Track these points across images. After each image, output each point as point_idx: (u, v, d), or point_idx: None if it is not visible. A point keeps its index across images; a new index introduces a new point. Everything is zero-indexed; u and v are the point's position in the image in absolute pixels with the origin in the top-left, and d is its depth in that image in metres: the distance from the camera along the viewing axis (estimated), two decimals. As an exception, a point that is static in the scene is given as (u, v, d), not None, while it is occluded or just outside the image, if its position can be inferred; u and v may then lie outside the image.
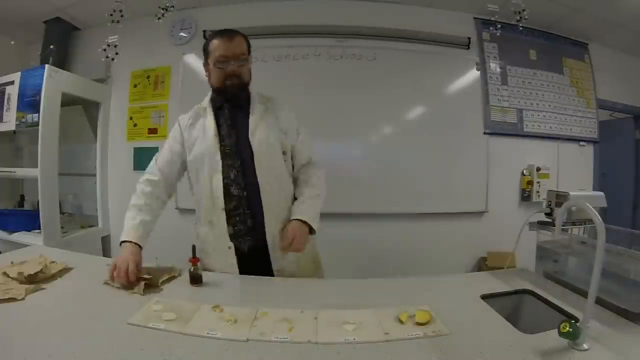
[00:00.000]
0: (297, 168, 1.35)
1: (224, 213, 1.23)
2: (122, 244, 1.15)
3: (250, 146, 1.22)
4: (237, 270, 1.24)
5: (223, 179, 1.22)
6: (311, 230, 1.24)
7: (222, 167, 1.22)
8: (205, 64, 1.27)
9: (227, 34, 1.22)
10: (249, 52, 1.25)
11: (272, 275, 1.25)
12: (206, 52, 1.25)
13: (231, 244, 1.24)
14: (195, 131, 1.29)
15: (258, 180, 1.22)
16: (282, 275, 1.25)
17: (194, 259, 1.09)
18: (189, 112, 1.35)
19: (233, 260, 1.24)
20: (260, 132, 1.24)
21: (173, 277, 1.13)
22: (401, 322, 0.86)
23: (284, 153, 1.29)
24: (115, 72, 2.85)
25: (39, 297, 0.95)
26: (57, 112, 2.38)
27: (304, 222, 1.21)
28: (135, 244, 1.14)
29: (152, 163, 1.35)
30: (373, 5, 2.68)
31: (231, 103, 1.27)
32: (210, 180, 1.23)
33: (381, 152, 2.64)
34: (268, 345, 0.75)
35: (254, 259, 1.25)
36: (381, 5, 2.68)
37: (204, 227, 1.30)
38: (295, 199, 1.32)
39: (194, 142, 1.28)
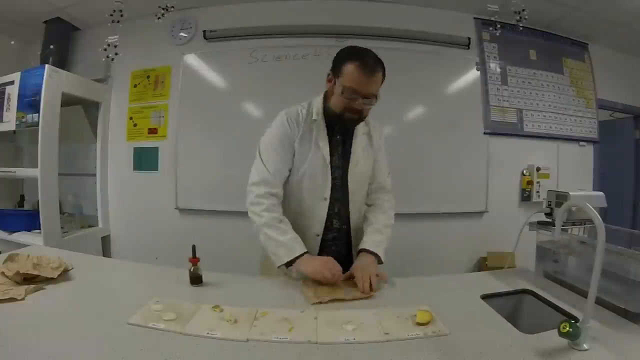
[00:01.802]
0: (375, 183, 1.35)
1: (319, 240, 1.24)
2: (298, 259, 1.09)
3: (347, 180, 1.24)
4: None
5: (328, 208, 1.23)
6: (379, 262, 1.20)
7: (330, 198, 1.22)
8: (331, 76, 1.17)
9: (370, 66, 1.08)
10: (382, 82, 1.15)
11: None
12: (338, 68, 1.13)
13: None
14: (306, 144, 1.20)
15: (350, 214, 1.28)
16: None
17: (194, 259, 1.09)
18: (297, 113, 1.23)
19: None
20: (360, 167, 1.25)
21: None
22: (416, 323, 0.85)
23: (370, 183, 1.33)
24: (115, 72, 2.85)
25: (39, 297, 0.95)
26: (57, 112, 2.38)
27: (374, 255, 1.18)
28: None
29: (264, 172, 1.18)
30: (373, 5, 2.68)
31: (342, 127, 1.22)
32: (313, 206, 1.22)
33: (381, 152, 2.64)
34: (268, 345, 0.75)
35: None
36: (381, 5, 2.68)
37: None
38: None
39: (304, 158, 1.20)
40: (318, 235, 1.24)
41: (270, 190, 1.16)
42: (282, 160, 1.19)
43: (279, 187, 1.19)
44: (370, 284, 1.05)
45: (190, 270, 1.09)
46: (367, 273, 1.07)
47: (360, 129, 1.26)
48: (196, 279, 1.09)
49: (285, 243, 1.10)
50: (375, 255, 1.17)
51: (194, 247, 1.11)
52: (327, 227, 1.24)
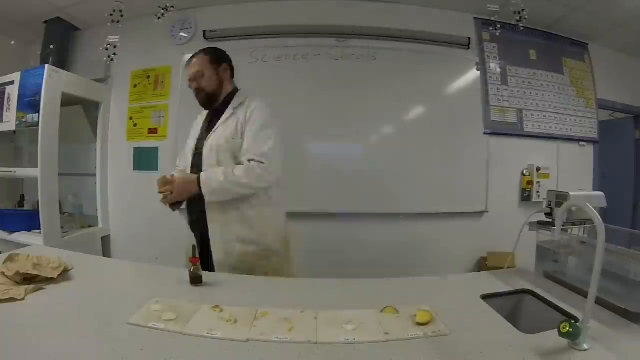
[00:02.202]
0: (241, 153, 1.39)
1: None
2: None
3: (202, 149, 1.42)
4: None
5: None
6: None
7: (192, 166, 1.43)
8: None
9: (189, 59, 1.47)
10: (216, 61, 1.45)
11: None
12: None
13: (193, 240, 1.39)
14: (192, 128, 1.57)
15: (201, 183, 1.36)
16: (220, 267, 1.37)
17: (194, 259, 1.09)
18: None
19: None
20: (213, 139, 1.40)
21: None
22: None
23: (235, 158, 1.38)
24: (115, 72, 2.84)
25: (39, 297, 0.95)
26: (57, 112, 2.37)
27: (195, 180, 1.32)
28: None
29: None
30: (373, 5, 2.68)
31: (214, 110, 1.48)
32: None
33: (381, 152, 2.64)
34: (268, 345, 0.75)
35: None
36: (381, 5, 2.68)
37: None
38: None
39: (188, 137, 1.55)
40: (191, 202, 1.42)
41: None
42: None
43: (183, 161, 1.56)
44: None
45: (190, 270, 1.09)
46: (172, 187, 1.33)
47: (230, 108, 1.44)
48: (196, 279, 1.09)
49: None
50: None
51: (194, 247, 1.12)
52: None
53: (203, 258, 1.30)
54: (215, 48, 1.52)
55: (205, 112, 1.54)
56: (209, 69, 1.44)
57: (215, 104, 1.47)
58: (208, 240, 1.37)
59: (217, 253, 1.36)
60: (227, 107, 1.44)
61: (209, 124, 1.47)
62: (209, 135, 1.42)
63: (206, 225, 1.37)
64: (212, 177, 1.31)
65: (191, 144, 1.49)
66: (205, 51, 1.47)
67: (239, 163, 1.36)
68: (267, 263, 1.38)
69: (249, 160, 1.33)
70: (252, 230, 1.38)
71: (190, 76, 1.44)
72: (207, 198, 1.31)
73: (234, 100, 1.46)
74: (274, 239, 1.43)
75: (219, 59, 1.47)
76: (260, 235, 1.39)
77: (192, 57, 1.46)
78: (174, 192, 1.32)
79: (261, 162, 1.32)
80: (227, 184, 1.30)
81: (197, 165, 1.41)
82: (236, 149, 1.37)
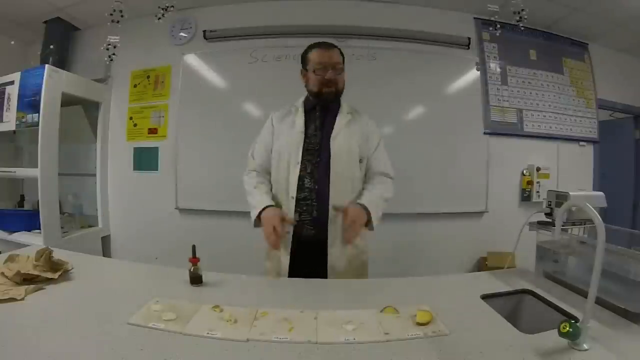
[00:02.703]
0: (372, 173, 1.41)
1: (294, 201, 1.30)
2: (261, 213, 1.25)
3: (329, 148, 1.31)
4: (288, 255, 1.31)
5: (300, 170, 1.31)
6: (368, 223, 1.27)
7: (302, 160, 1.31)
8: (303, 71, 1.39)
9: (325, 45, 1.35)
10: (344, 63, 1.36)
11: (324, 270, 1.30)
12: (304, 61, 1.38)
13: (291, 229, 1.30)
14: (284, 125, 1.39)
15: (330, 178, 1.30)
16: (333, 273, 1.30)
17: (194, 259, 1.09)
18: (281, 110, 1.46)
19: (288, 245, 1.31)
20: (341, 138, 1.33)
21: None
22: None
23: (360, 161, 1.37)
24: (115, 72, 2.85)
25: (39, 297, 0.95)
26: (57, 112, 2.38)
27: (365, 210, 1.25)
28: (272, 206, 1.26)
29: (250, 160, 1.45)
30: (373, 5, 2.68)
31: (323, 107, 1.37)
32: (287, 170, 1.33)
33: (381, 152, 2.64)
34: (268, 345, 0.75)
35: (311, 250, 1.31)
36: (381, 5, 2.68)
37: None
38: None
39: (280, 134, 1.38)
40: (292, 197, 1.31)
41: (249, 169, 1.44)
42: (264, 143, 1.42)
43: (258, 163, 1.42)
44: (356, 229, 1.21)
45: (190, 270, 1.09)
46: (353, 219, 1.20)
47: (345, 109, 1.40)
48: (196, 279, 1.09)
49: (256, 199, 1.31)
50: (365, 209, 1.25)
51: (194, 247, 1.11)
52: (300, 186, 1.31)
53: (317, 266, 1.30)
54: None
55: (300, 109, 1.40)
56: (344, 68, 1.37)
57: (331, 105, 1.39)
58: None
59: (333, 263, 1.32)
60: (338, 109, 1.39)
61: (323, 122, 1.36)
62: (333, 134, 1.33)
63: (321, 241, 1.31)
64: (374, 202, 1.29)
65: (295, 137, 1.33)
66: (337, 47, 1.38)
67: (370, 174, 1.41)
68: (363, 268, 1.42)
69: (386, 176, 1.42)
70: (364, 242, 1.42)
71: (330, 63, 1.31)
72: (375, 224, 1.29)
73: (344, 107, 1.41)
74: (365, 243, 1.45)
75: (344, 60, 1.39)
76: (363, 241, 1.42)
77: (329, 46, 1.36)
78: (353, 230, 1.21)
79: (392, 179, 1.43)
80: (384, 204, 1.34)
81: (309, 162, 1.32)
82: (363, 155, 1.38)
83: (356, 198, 1.32)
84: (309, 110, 1.39)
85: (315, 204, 1.31)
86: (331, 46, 1.36)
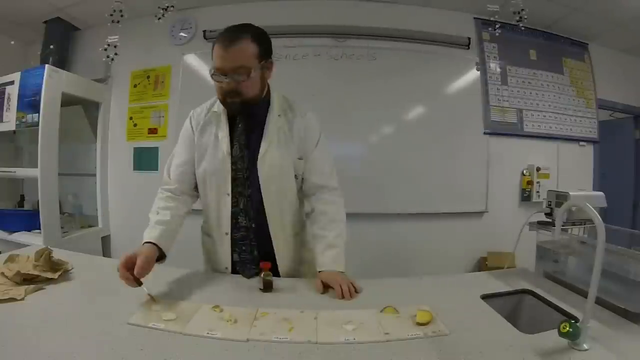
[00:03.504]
0: (309, 187, 1.21)
1: (229, 238, 1.17)
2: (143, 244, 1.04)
3: (257, 174, 1.12)
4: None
5: (231, 205, 1.14)
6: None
7: (232, 193, 1.13)
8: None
9: (227, 38, 1.01)
10: (263, 54, 1.05)
11: None
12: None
13: (229, 266, 1.21)
14: (205, 139, 1.16)
15: (265, 210, 1.15)
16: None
17: (266, 264, 1.06)
18: (201, 109, 1.22)
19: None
20: (270, 157, 1.12)
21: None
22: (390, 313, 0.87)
23: (295, 177, 1.18)
24: (115, 72, 2.85)
25: (39, 297, 0.95)
26: (57, 112, 2.38)
27: (341, 271, 1.10)
28: (150, 243, 1.02)
29: (165, 175, 1.21)
30: (373, 5, 2.68)
31: (246, 113, 1.11)
32: (217, 202, 1.16)
33: (381, 152, 2.64)
34: (268, 345, 0.75)
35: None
36: (381, 5, 2.68)
37: (208, 239, 1.27)
38: (306, 220, 1.26)
39: (204, 153, 1.15)
40: (227, 234, 1.17)
41: (165, 188, 1.19)
42: (185, 158, 1.18)
43: (177, 184, 1.18)
44: (355, 288, 1.04)
45: (261, 277, 1.05)
46: (345, 282, 1.04)
47: (276, 109, 1.15)
48: (268, 285, 1.05)
49: (145, 232, 1.08)
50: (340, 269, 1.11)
51: (263, 252, 1.06)
52: (234, 225, 1.16)
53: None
54: (263, 32, 1.08)
55: (223, 119, 1.14)
56: (256, 66, 1.04)
57: (250, 113, 1.11)
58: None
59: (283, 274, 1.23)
60: (266, 114, 1.14)
61: (247, 137, 1.12)
62: (260, 153, 1.11)
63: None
64: (341, 256, 1.13)
65: (221, 163, 1.12)
66: (251, 34, 1.03)
67: (317, 189, 1.20)
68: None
69: (330, 190, 1.21)
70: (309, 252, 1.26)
71: (228, 68, 1.01)
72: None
73: (274, 107, 1.15)
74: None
75: (267, 50, 1.07)
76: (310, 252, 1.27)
77: (231, 39, 1.00)
78: (349, 293, 1.02)
79: (337, 189, 1.23)
80: (344, 240, 1.16)
81: (241, 194, 1.13)
82: (299, 170, 1.18)
83: (296, 225, 1.22)
84: (230, 119, 1.13)
85: (255, 243, 1.17)
86: (235, 38, 1.00)
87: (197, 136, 1.17)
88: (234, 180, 1.13)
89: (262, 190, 1.13)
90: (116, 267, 0.96)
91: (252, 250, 1.17)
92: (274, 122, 1.14)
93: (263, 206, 1.15)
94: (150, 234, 1.05)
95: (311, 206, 1.22)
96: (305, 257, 1.28)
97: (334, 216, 1.18)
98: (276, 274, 1.19)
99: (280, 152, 1.13)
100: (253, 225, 1.16)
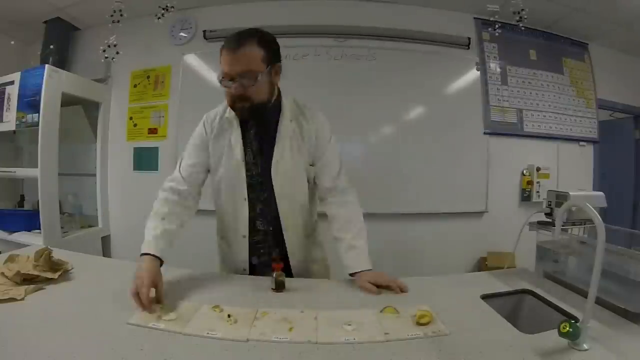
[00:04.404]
0: (321, 191, 1.23)
1: (246, 241, 1.20)
2: (141, 256, 1.03)
3: (272, 181, 1.15)
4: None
5: (249, 211, 1.17)
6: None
7: (248, 198, 1.16)
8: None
9: (233, 42, 1.01)
10: (271, 59, 1.05)
11: None
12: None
13: (246, 268, 1.24)
14: (220, 145, 1.17)
15: (280, 215, 1.18)
16: None
17: (278, 265, 1.06)
18: (215, 113, 1.20)
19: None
20: (284, 163, 1.14)
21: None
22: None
23: (307, 181, 1.21)
24: (115, 72, 2.85)
25: (39, 297, 0.95)
26: (57, 112, 2.38)
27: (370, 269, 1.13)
28: (154, 257, 1.02)
29: (176, 171, 1.20)
30: (373, 5, 2.68)
31: (256, 121, 1.13)
32: (234, 208, 1.19)
33: (381, 152, 2.65)
34: (268, 345, 0.75)
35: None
36: (381, 5, 2.68)
37: (224, 242, 1.30)
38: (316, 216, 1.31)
39: (219, 159, 1.17)
40: (244, 237, 1.20)
41: (173, 186, 1.16)
42: (196, 160, 1.19)
43: (186, 186, 1.16)
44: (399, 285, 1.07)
45: (274, 277, 1.06)
46: (391, 280, 1.08)
47: (287, 115, 1.15)
48: (280, 285, 1.06)
49: (146, 236, 1.07)
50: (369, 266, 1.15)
51: (277, 252, 1.08)
52: (252, 229, 1.20)
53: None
54: (270, 36, 1.08)
55: (235, 125, 1.15)
56: (263, 71, 1.03)
57: (261, 117, 1.11)
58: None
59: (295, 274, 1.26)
60: (277, 119, 1.14)
61: (260, 143, 1.14)
62: (274, 160, 1.13)
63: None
64: (366, 254, 1.16)
65: (236, 170, 1.14)
66: (257, 39, 1.03)
67: (330, 192, 1.22)
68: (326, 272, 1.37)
69: (344, 192, 1.23)
70: (322, 250, 1.35)
71: (235, 73, 1.00)
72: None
73: (286, 112, 1.15)
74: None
75: (274, 54, 1.07)
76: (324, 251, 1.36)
77: (238, 43, 1.00)
78: (392, 284, 1.06)
79: (350, 188, 1.25)
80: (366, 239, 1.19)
81: (257, 199, 1.16)
82: (310, 175, 1.20)
83: (308, 227, 1.26)
84: (243, 125, 1.14)
85: (273, 244, 1.21)
86: (242, 42, 1.00)
87: (212, 142, 1.18)
88: (249, 185, 1.15)
89: (276, 195, 1.16)
90: (117, 267, 0.96)
91: (271, 253, 1.21)
92: (285, 128, 1.14)
93: (277, 210, 1.18)
94: (157, 245, 1.04)
95: (326, 210, 1.24)
96: (316, 256, 1.32)
97: (349, 216, 1.21)
98: (289, 274, 1.20)
99: (293, 158, 1.15)
100: (270, 229, 1.20)
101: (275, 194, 1.16)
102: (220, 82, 1.04)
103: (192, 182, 1.19)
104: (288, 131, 1.14)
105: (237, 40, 1.01)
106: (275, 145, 1.13)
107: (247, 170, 1.14)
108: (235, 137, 1.14)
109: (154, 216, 1.12)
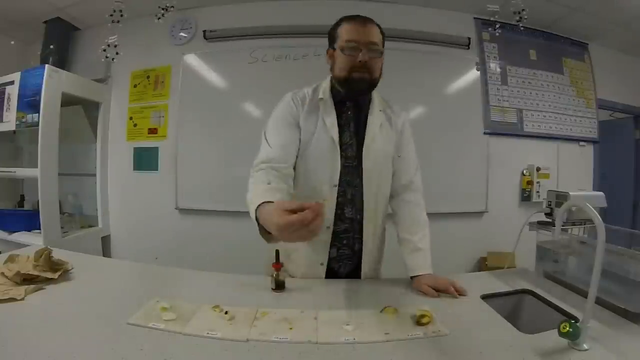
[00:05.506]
0: (397, 186, 1.21)
1: (330, 232, 1.12)
2: (260, 208, 0.82)
3: (362, 159, 1.11)
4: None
5: (338, 196, 1.09)
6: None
7: (339, 182, 1.09)
8: (330, 50, 1.12)
9: (360, 19, 1.07)
10: (384, 45, 1.09)
11: None
12: (332, 38, 1.11)
13: (324, 261, 1.15)
14: (311, 124, 1.10)
15: (364, 203, 1.12)
16: None
17: (278, 265, 1.06)
18: (303, 93, 1.15)
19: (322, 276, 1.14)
20: (375, 148, 1.11)
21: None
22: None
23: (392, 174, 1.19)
24: (115, 72, 2.85)
25: (39, 297, 0.95)
26: (57, 112, 2.38)
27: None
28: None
29: (264, 152, 1.05)
30: (373, 5, 2.68)
31: (354, 101, 1.11)
32: (320, 192, 1.09)
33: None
34: (268, 345, 0.75)
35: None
36: (381, 5, 2.68)
37: None
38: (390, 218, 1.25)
39: (309, 139, 1.09)
40: (328, 227, 1.10)
41: (271, 165, 1.01)
42: (288, 137, 1.08)
43: (284, 163, 1.03)
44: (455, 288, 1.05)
45: (273, 276, 1.05)
46: (451, 284, 1.06)
47: (377, 104, 1.15)
48: (280, 285, 1.06)
49: (257, 196, 0.86)
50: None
51: (277, 252, 1.03)
52: (339, 216, 1.11)
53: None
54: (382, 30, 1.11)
55: (329, 105, 1.11)
56: (383, 52, 1.08)
57: (365, 91, 1.11)
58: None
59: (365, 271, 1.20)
60: (369, 104, 1.14)
61: (356, 124, 1.12)
62: (366, 142, 1.10)
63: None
64: (427, 247, 1.17)
65: (330, 151, 1.07)
66: (377, 25, 1.10)
67: (404, 188, 1.20)
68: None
69: (416, 192, 1.21)
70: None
71: (364, 41, 1.03)
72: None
73: (376, 101, 1.15)
74: None
75: (384, 41, 1.11)
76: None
77: (365, 20, 1.07)
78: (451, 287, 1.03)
79: (420, 191, 1.23)
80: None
81: (349, 184, 1.11)
82: (394, 166, 1.19)
83: (383, 223, 1.22)
84: (337, 105, 1.12)
85: (358, 236, 1.15)
86: (368, 21, 1.07)
87: (302, 119, 1.10)
88: (343, 168, 1.09)
89: (363, 181, 1.12)
90: (117, 267, 0.95)
91: (353, 245, 1.16)
92: (376, 115, 1.14)
93: (362, 199, 1.13)
94: (274, 196, 0.86)
95: (394, 207, 1.22)
96: (381, 254, 1.29)
97: (417, 218, 1.20)
98: (356, 274, 1.18)
99: (384, 144, 1.14)
100: (358, 217, 1.14)
101: (363, 179, 1.11)
102: (344, 49, 1.05)
103: (289, 160, 1.06)
104: (379, 118, 1.14)
105: (366, 18, 1.08)
106: (367, 130, 1.12)
107: (342, 151, 1.09)
108: (329, 115, 1.10)
109: (257, 184, 0.95)
